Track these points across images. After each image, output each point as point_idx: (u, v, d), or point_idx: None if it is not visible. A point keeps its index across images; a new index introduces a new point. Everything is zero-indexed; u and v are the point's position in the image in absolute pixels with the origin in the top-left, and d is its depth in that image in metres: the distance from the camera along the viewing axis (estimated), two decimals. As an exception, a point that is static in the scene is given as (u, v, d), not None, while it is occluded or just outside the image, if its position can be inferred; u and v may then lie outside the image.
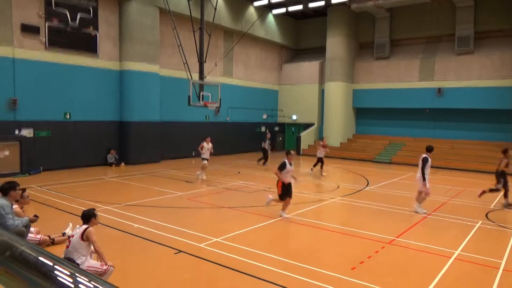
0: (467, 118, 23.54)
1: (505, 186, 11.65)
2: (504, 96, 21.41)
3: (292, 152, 9.81)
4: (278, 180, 9.59)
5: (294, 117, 29.41)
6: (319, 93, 28.29)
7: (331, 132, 26.79)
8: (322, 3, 24.56)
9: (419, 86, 24.39)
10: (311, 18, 29.40)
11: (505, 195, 11.73)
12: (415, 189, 14.67)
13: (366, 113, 27.64)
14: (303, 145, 27.41)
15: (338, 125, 26.79)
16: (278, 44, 29.00)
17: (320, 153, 17.43)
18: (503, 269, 6.79)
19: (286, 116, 29.78)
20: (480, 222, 9.94)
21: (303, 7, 25.41)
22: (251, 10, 25.54)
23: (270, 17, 27.40)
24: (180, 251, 7.17)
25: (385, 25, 25.88)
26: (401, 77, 25.16)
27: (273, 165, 20.69)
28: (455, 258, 7.24)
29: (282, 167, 9.48)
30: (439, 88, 23.57)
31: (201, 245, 7.48)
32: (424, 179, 10.37)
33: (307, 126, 28.65)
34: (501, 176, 11.66)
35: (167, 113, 21.20)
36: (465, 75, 22.89)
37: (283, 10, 26.51)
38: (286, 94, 29.75)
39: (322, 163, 17.51)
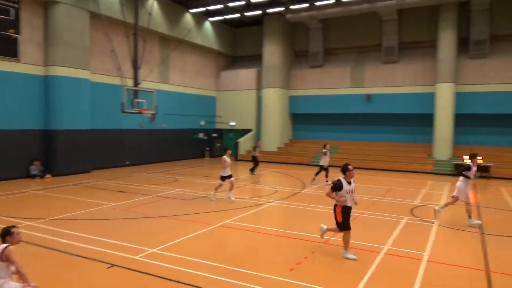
0: (394, 122, 25.24)
1: None
2: (425, 101, 23.28)
3: (350, 167, 7.39)
4: (335, 204, 7.50)
5: (232, 123, 29.51)
6: (256, 99, 28.70)
7: (268, 137, 27.29)
8: (259, 12, 25.05)
9: (351, 92, 25.74)
10: (248, 27, 29.81)
11: None
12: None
13: (302, 119, 28.54)
14: (241, 151, 27.59)
15: (275, 130, 27.35)
16: (215, 51, 28.99)
17: (324, 161, 16.73)
18: (427, 260, 7.31)
19: (224, 122, 29.80)
20: (406, 217, 10.65)
21: (240, 15, 25.72)
22: (188, 17, 25.29)
23: (207, 25, 27.34)
24: (113, 265, 6.80)
25: (319, 35, 27.01)
26: (334, 84, 26.37)
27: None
28: (384, 253, 7.66)
29: (337, 187, 7.32)
30: (368, 94, 25.06)
31: (136, 257, 7.16)
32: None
33: (245, 132, 28.88)
34: None
35: (99, 120, 20.18)
36: (391, 82, 24.59)
37: (220, 17, 26.60)
38: (224, 101, 29.79)
39: (327, 171, 16.82)
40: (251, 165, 20.41)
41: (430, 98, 22.96)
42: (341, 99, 26.00)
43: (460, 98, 22.31)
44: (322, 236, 8.08)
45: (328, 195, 7.51)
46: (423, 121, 23.98)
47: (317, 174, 17.09)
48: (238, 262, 7.04)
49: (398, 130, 25.21)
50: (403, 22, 24.60)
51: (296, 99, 27.84)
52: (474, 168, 10.27)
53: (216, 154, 29.18)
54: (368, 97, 25.04)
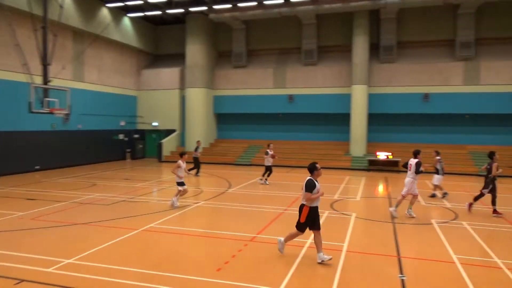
0: (314, 121, 26.47)
1: (493, 192, 11.09)
2: (342, 102, 24.77)
3: (318, 166, 7.28)
4: (302, 205, 7.17)
5: (155, 123, 28.58)
6: (180, 99, 28.13)
7: (193, 138, 26.86)
8: (181, 10, 24.56)
9: (274, 93, 26.44)
10: (170, 25, 29.08)
11: (493, 202, 11.11)
12: (268, 187, 15.79)
13: (226, 118, 28.63)
14: (165, 152, 26.85)
15: (200, 130, 27.07)
16: (135, 48, 27.81)
17: (268, 161, 16.61)
18: (346, 251, 7.76)
19: (147, 123, 28.74)
20: (327, 212, 11.21)
21: (162, 12, 24.98)
22: (104, 12, 23.90)
23: (126, 21, 26.11)
24: (22, 280, 6.14)
25: (242, 36, 27.30)
26: (257, 84, 26.87)
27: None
28: (308, 247, 7.96)
29: (312, 186, 7.01)
30: (290, 95, 25.96)
31: (50, 270, 6.55)
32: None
33: (168, 132, 28.15)
34: (491, 182, 11.07)
35: (1, 121, 18.20)
36: (311, 84, 25.74)
37: (140, 14, 25.58)
38: (146, 100, 28.72)
39: (270, 171, 16.75)
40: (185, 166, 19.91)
41: (347, 99, 24.49)
42: (264, 99, 26.60)
43: (372, 99, 24.14)
44: (281, 251, 7.43)
45: (308, 198, 6.97)
46: (341, 120, 25.49)
47: (264, 174, 16.85)
48: (165, 266, 6.81)
49: (319, 129, 26.51)
50: (322, 26, 25.91)
51: (220, 99, 27.85)
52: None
53: (138, 156, 28.02)
54: (290, 98, 25.93)
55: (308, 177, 7.17)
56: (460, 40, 22.97)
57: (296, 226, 7.27)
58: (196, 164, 19.50)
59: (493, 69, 22.52)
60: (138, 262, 7.04)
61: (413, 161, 10.84)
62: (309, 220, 7.05)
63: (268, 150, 16.75)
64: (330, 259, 6.99)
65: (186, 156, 11.91)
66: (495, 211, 11.00)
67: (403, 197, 10.85)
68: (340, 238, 8.59)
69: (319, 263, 6.96)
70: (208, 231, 9.24)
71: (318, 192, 7.01)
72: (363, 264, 7.16)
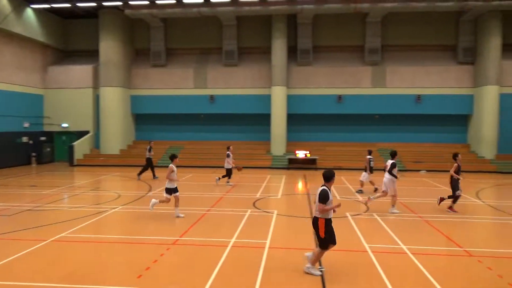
0: (236, 121, 26.67)
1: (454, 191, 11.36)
2: (263, 102, 25.31)
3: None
4: (316, 218, 6.47)
5: (65, 124, 26.44)
6: (93, 99, 26.39)
7: (109, 139, 25.47)
8: (93, 4, 23.06)
9: (194, 93, 26.09)
10: (81, 19, 27.12)
11: (450, 198, 11.51)
12: (192, 189, 15.56)
13: (145, 119, 27.55)
14: (78, 155, 24.98)
15: (117, 131, 25.70)
16: (41, 43, 25.45)
17: (228, 163, 16.22)
18: (268, 247, 7.91)
19: (55, 124, 26.46)
20: (250, 210, 11.34)
21: (71, 5, 23.21)
22: (3, 1, 21.48)
23: (30, 12, 23.75)
24: None
25: (161, 34, 26.47)
26: (178, 84, 26.28)
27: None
28: (231, 246, 7.96)
29: (326, 197, 6.32)
30: (211, 95, 25.84)
31: None
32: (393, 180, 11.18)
33: (81, 134, 26.23)
34: (455, 181, 11.29)
35: None
36: (232, 84, 25.89)
37: (45, 5, 23.47)
38: (54, 99, 26.43)
39: (231, 174, 16.42)
40: (89, 169, 18.61)
41: (267, 99, 25.09)
42: (185, 99, 26.12)
43: (291, 100, 25.05)
44: (310, 272, 6.53)
45: (322, 210, 6.30)
46: (262, 120, 26.03)
47: (224, 176, 16.55)
48: (79, 277, 6.29)
49: (241, 129, 26.78)
50: (242, 28, 26.21)
51: (138, 99, 26.71)
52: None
53: (45, 160, 25.68)
54: (212, 98, 25.81)
55: (322, 186, 6.45)
56: (368, 46, 24.88)
57: (320, 245, 6.53)
58: (149, 165, 18.27)
59: (397, 74, 24.78)
60: (48, 275, 6.41)
61: (389, 162, 11.57)
62: (327, 233, 6.41)
63: (229, 152, 16.41)
64: (320, 274, 6.45)
65: (177, 160, 10.81)
66: (450, 208, 11.51)
67: (393, 196, 11.34)
68: (263, 236, 8.74)
69: (306, 272, 6.52)
70: (127, 237, 8.77)
71: (331, 203, 6.37)
72: (285, 259, 7.35)
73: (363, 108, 25.02)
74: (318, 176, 20.00)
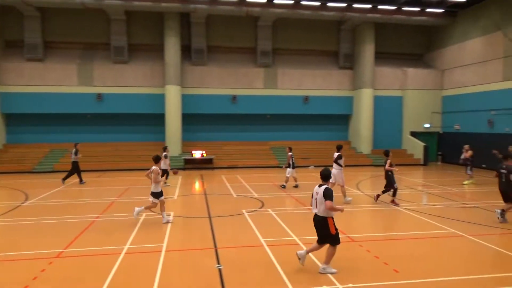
0: (128, 121, 25.27)
1: (388, 185, 12.05)
2: (156, 102, 24.43)
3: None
4: (323, 217, 6.44)
5: None
6: (-48, 96, 22.46)
7: (-26, 144, 21.94)
8: None
9: (79, 91, 23.98)
10: None
11: (388, 192, 12.24)
12: (82, 195, 14.31)
13: (18, 119, 24.33)
14: None
15: (-16, 134, 22.27)
16: None
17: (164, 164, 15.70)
18: (165, 251, 7.64)
19: None
20: (145, 214, 10.82)
21: None
22: None
23: None
24: None
25: (37, 24, 23.69)
26: (59, 81, 23.83)
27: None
28: (125, 253, 7.48)
29: (332, 195, 6.42)
30: (99, 94, 24.06)
31: None
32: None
33: None
34: (390, 176, 11.97)
35: None
36: (122, 82, 24.45)
37: None
38: None
39: (167, 174, 16.14)
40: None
41: (160, 99, 24.29)
42: (68, 97, 23.82)
43: (186, 99, 24.68)
44: (327, 271, 6.51)
45: (332, 208, 6.30)
46: (156, 120, 25.12)
47: (163, 175, 15.63)
48: None
49: (134, 129, 25.47)
50: (132, 23, 24.93)
51: (9, 96, 23.47)
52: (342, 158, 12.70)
53: None
54: (99, 97, 24.04)
55: (323, 186, 6.50)
56: (260, 49, 25.83)
57: (330, 243, 6.51)
58: (76, 169, 16.89)
59: (287, 76, 26.23)
60: None
61: (335, 155, 12.65)
62: (336, 229, 6.49)
63: (166, 153, 16.33)
64: (336, 272, 6.46)
65: (161, 161, 9.72)
66: (393, 201, 12.20)
67: (341, 186, 12.51)
68: (159, 239, 8.42)
69: (322, 273, 6.48)
70: (-2, 254, 7.61)
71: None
72: (182, 260, 7.19)
73: (256, 108, 25.91)
74: (215, 175, 20.10)
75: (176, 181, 17.89)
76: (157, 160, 10.24)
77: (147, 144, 25.14)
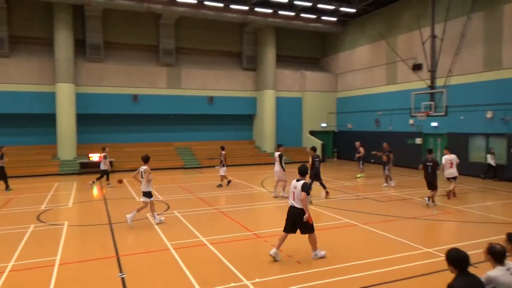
0: (11, 123, 22.38)
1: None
2: (45, 101, 22.06)
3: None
4: (300, 209, 7.07)
5: None
6: None
7: None
8: None
9: None
10: None
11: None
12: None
13: None
14: None
15: None
16: None
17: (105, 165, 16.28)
18: (59, 264, 6.92)
19: None
20: (33, 225, 9.70)
21: None
22: None
23: None
24: None
25: None
26: None
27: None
28: (9, 271, 6.60)
29: (309, 188, 7.42)
30: (-26, 91, 20.93)
31: None
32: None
33: None
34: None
35: None
36: (4, 79, 21.55)
37: None
38: None
39: (108, 174, 16.58)
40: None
41: (51, 97, 22.04)
42: None
43: (81, 98, 22.77)
44: (319, 255, 7.25)
45: (305, 199, 7.00)
46: (45, 121, 22.71)
47: (98, 179, 16.49)
48: None
49: (19, 132, 22.64)
50: (14, 13, 22.19)
51: None
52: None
53: None
54: (-26, 94, 20.92)
55: (300, 180, 7.14)
56: (163, 47, 25.05)
57: (310, 231, 7.15)
58: (2, 175, 15.52)
59: (191, 76, 25.89)
60: None
61: (276, 154, 13.63)
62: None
63: (105, 154, 16.64)
64: (323, 255, 7.22)
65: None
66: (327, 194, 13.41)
67: (278, 182, 13.59)
68: (52, 252, 7.59)
69: (319, 257, 7.16)
70: None
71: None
72: (80, 273, 6.59)
73: (159, 108, 25.07)
74: (116, 179, 18.87)
75: (70, 187, 16.41)
76: (146, 160, 9.92)
77: (36, 147, 22.60)
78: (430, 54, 18.39)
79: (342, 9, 23.96)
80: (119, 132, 24.88)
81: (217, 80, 26.57)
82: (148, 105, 24.64)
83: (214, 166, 23.31)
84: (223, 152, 16.25)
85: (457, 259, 3.74)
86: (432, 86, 18.32)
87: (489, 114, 17.59)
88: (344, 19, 26.57)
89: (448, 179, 12.87)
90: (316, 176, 12.93)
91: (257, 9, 24.08)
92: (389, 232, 8.94)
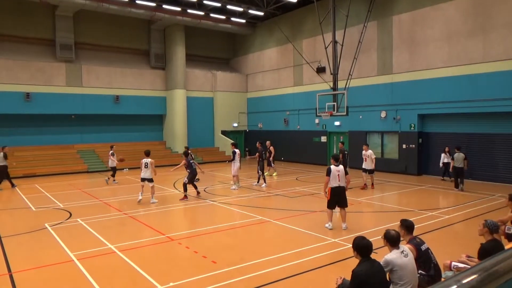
0: None
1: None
2: None
3: None
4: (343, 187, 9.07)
5: None
6: None
7: None
8: None
9: None
10: None
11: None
12: None
13: None
14: None
15: None
16: None
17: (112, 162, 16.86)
18: None
19: None
20: None
21: None
22: None
23: None
24: None
25: None
26: None
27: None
28: None
29: (328, 172, 8.96)
30: None
31: None
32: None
33: None
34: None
35: None
36: None
37: None
38: None
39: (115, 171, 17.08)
40: None
41: None
42: None
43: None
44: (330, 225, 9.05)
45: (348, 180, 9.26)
46: None
47: (112, 175, 17.05)
48: None
49: None
50: None
51: None
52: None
53: None
54: None
55: (341, 165, 9.07)
56: (60, 42, 22.88)
57: (346, 204, 9.11)
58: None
59: (94, 73, 24.09)
60: None
61: (236, 151, 15.19)
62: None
63: (113, 151, 17.16)
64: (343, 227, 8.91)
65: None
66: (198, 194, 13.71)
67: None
68: None
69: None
70: None
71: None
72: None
73: (57, 108, 22.84)
74: (6, 187, 16.76)
75: (-51, 199, 14.13)
76: (148, 153, 12.64)
77: None
78: (332, 58, 19.69)
79: (250, 11, 24.42)
80: (9, 135, 22.00)
81: (123, 79, 25.17)
82: (44, 105, 22.30)
83: (123, 169, 22.07)
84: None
85: (360, 246, 4.12)
86: (334, 88, 19.61)
87: (383, 114, 19.52)
88: (253, 21, 27.17)
89: (365, 171, 14.60)
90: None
91: (165, 6, 23.36)
92: (299, 226, 9.33)
